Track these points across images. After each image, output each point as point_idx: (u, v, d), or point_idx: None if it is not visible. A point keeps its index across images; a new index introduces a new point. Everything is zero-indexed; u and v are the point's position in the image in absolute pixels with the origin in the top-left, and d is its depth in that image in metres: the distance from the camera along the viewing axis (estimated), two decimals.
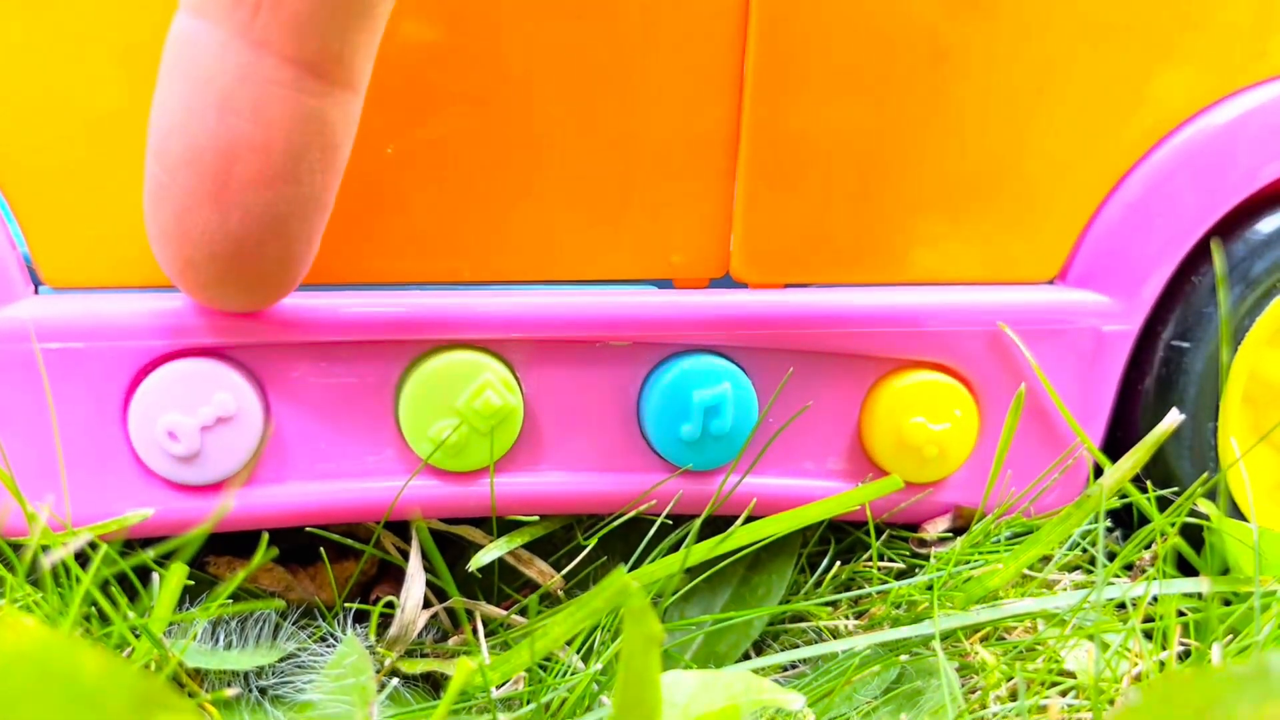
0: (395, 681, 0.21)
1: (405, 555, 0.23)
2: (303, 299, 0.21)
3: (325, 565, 0.23)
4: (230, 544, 0.24)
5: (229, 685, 0.20)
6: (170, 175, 0.17)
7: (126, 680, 0.11)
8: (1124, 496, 0.23)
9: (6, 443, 0.20)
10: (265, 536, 0.18)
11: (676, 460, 0.23)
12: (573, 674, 0.21)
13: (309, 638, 0.22)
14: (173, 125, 0.17)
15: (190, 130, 0.17)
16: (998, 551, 0.24)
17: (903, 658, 0.22)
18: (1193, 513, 0.24)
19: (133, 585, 0.21)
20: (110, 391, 0.20)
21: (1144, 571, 0.25)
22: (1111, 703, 0.20)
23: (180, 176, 0.17)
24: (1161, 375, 0.25)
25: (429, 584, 0.23)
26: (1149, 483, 0.25)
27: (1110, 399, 0.25)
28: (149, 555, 0.18)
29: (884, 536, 0.26)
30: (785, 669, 0.23)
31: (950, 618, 0.22)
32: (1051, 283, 0.24)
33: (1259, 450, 0.26)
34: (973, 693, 0.21)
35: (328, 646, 0.21)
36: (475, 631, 0.23)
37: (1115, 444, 0.25)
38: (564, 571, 0.23)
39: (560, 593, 0.24)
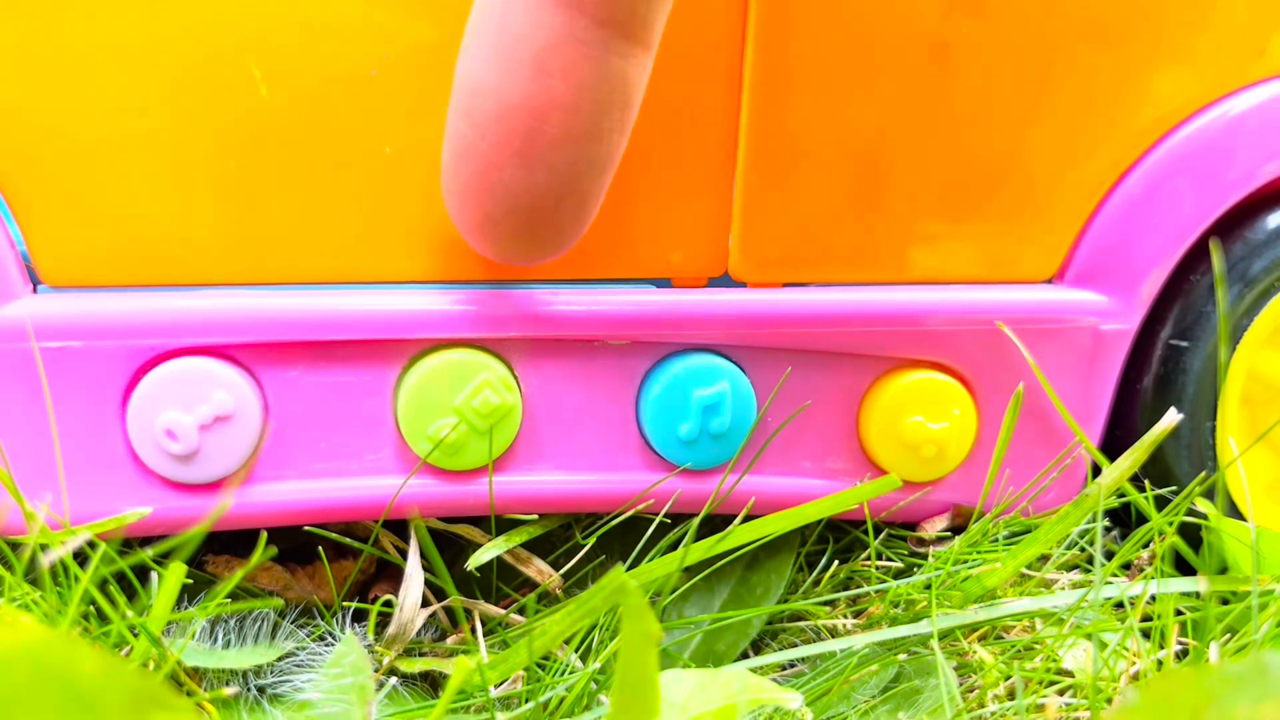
0: (393, 680, 0.21)
1: (404, 554, 0.23)
2: (301, 298, 0.21)
3: (324, 564, 0.23)
4: (229, 543, 0.24)
5: (227, 684, 0.20)
6: (479, 133, 0.18)
7: (124, 679, 0.11)
8: (1122, 496, 0.23)
9: (5, 441, 0.20)
10: (264, 535, 0.18)
11: (675, 459, 0.23)
12: (571, 673, 0.21)
13: (307, 637, 0.22)
14: (484, 85, 0.18)
15: (502, 90, 0.17)
16: (996, 551, 0.24)
17: (901, 657, 0.22)
18: (1191, 512, 0.24)
19: (131, 584, 0.21)
20: (109, 390, 0.20)
21: (1142, 571, 0.25)
22: (1109, 702, 0.20)
23: (490, 134, 0.18)
24: (1160, 374, 0.25)
25: (427, 583, 0.23)
26: (1147, 482, 0.25)
27: (1108, 398, 0.25)
28: (147, 554, 0.18)
29: (882, 535, 0.26)
30: (783, 668, 0.23)
31: (948, 617, 0.22)
32: (1050, 282, 0.24)
33: (1257, 449, 0.26)
34: (971, 691, 0.21)
35: (326, 645, 0.21)
36: (473, 630, 0.23)
37: (1113, 443, 0.25)
38: (562, 570, 0.24)
39: (558, 592, 0.24)
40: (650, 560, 0.22)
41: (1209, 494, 0.24)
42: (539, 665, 0.21)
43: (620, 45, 0.17)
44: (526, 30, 0.17)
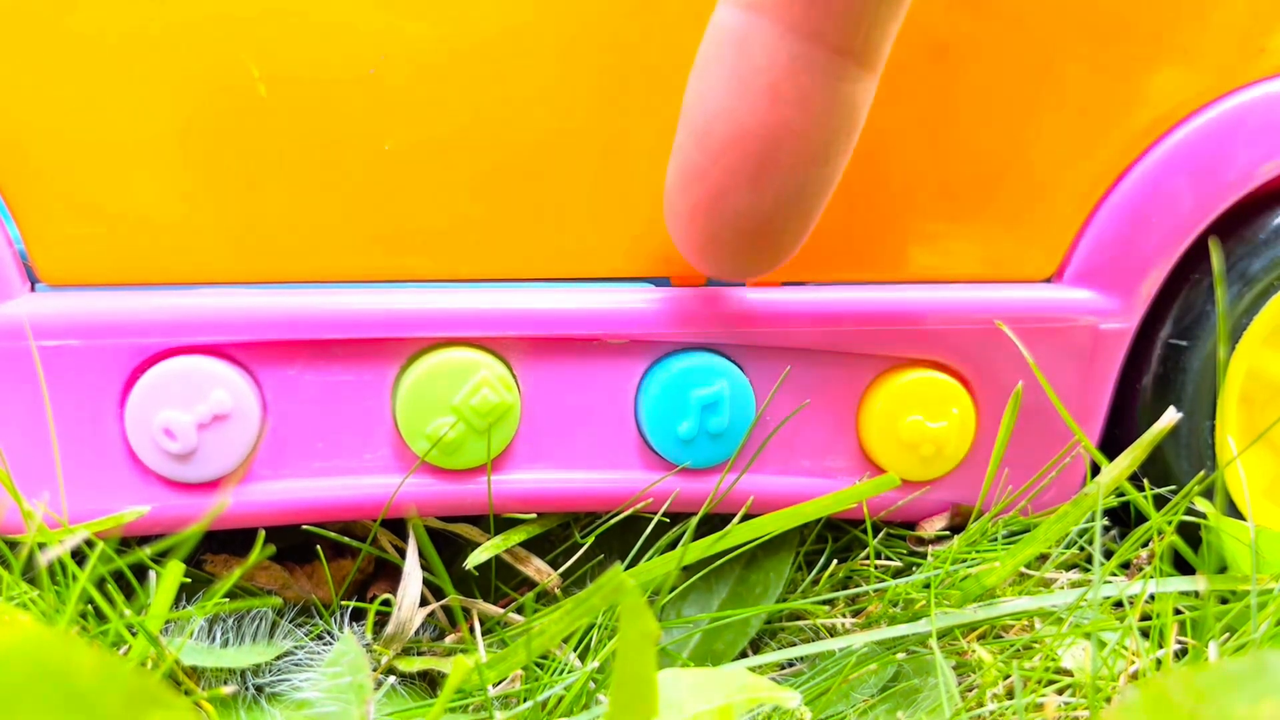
0: (392, 679, 0.21)
1: (402, 553, 0.23)
2: (300, 296, 0.21)
3: (322, 563, 0.23)
4: (227, 542, 0.24)
5: (226, 683, 0.20)
6: (711, 159, 0.18)
7: (122, 678, 0.11)
8: (1121, 495, 0.23)
9: (3, 440, 0.20)
10: (262, 534, 0.18)
11: (674, 458, 0.23)
12: (569, 672, 0.21)
13: (306, 636, 0.22)
14: (718, 111, 0.18)
15: (738, 117, 0.18)
16: (995, 550, 0.24)
17: (900, 656, 0.22)
18: (1190, 511, 0.24)
19: (129, 583, 0.21)
20: (107, 389, 0.20)
21: (1141, 570, 0.25)
22: (1108, 701, 0.20)
23: (722, 159, 0.18)
24: (1159, 373, 0.25)
25: (426, 582, 0.23)
26: (1146, 481, 0.25)
27: (1107, 397, 0.25)
28: (145, 553, 0.18)
29: (881, 535, 0.26)
30: (782, 667, 0.23)
31: (947, 616, 0.22)
32: (1049, 281, 0.24)
33: (1256, 449, 0.26)
34: (969, 691, 0.21)
35: (324, 644, 0.21)
36: (472, 629, 0.23)
37: (1113, 442, 0.25)
38: (561, 570, 0.23)
39: (557, 591, 0.24)
40: (649, 559, 0.22)
41: (1208, 493, 0.24)
42: (537, 664, 0.21)
43: (854, 71, 0.18)
44: (765, 60, 0.18)
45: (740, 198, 0.19)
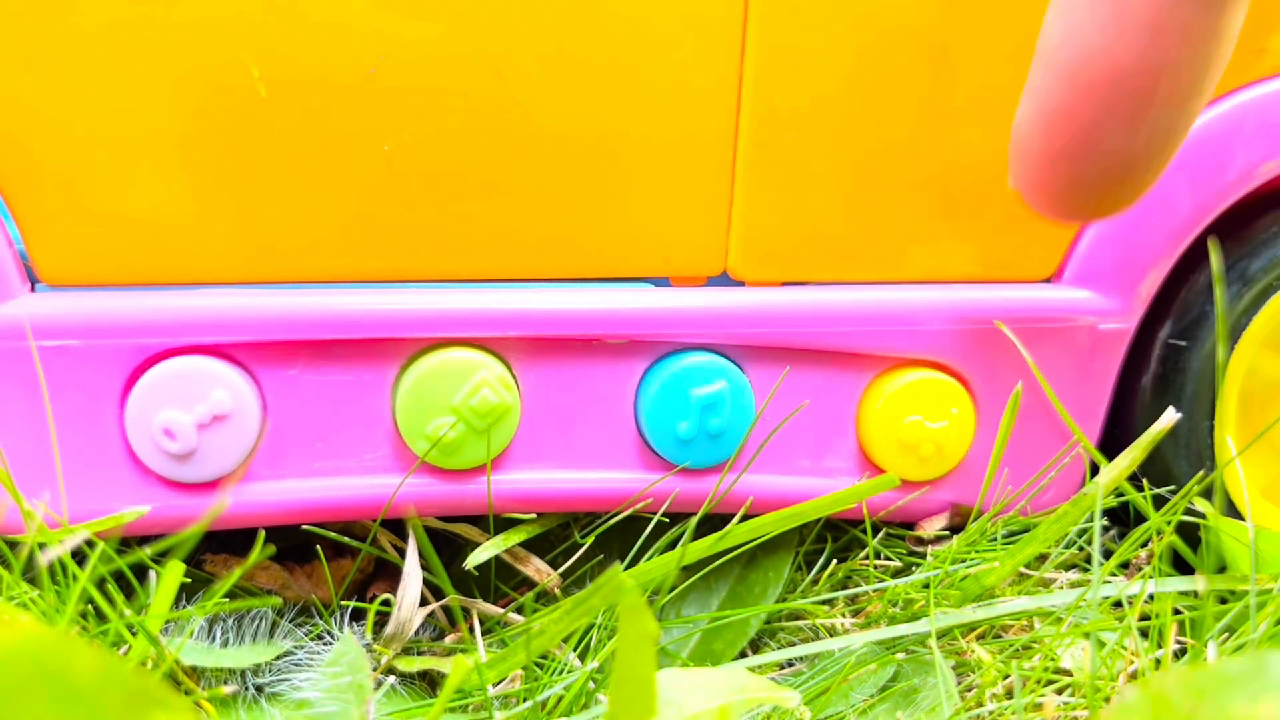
0: (392, 679, 0.21)
1: (402, 553, 0.23)
2: (300, 297, 0.21)
3: (322, 563, 0.23)
4: (227, 542, 0.24)
5: (225, 683, 0.20)
6: (1081, 97, 0.18)
7: (122, 678, 0.11)
8: (1120, 495, 0.23)
9: (3, 440, 0.20)
10: (261, 534, 0.18)
11: (673, 458, 0.23)
12: (569, 672, 0.21)
13: (306, 635, 0.22)
14: (1094, 48, 0.18)
15: (1114, 54, 0.18)
16: (994, 550, 0.24)
17: (899, 656, 0.22)
18: (1189, 511, 0.24)
19: (129, 583, 0.21)
20: (107, 389, 0.20)
21: (1140, 570, 0.25)
22: (1107, 700, 0.20)
23: (1097, 97, 0.18)
24: (1158, 373, 0.25)
25: (426, 582, 0.23)
26: (1145, 481, 0.25)
27: (1107, 397, 0.25)
28: (145, 553, 0.18)
29: (880, 535, 0.26)
30: (782, 667, 0.23)
31: (946, 616, 0.22)
32: (1048, 281, 0.24)
33: (1255, 449, 0.26)
34: (969, 690, 0.21)
35: (324, 644, 0.21)
36: (471, 629, 0.23)
37: (1112, 442, 0.25)
38: (560, 569, 0.23)
39: (557, 591, 0.24)
40: (648, 559, 0.22)
41: (1207, 493, 0.24)
42: (537, 664, 0.21)
43: (1226, 4, 0.18)
44: None
45: (1115, 137, 0.18)
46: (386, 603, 0.22)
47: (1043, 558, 0.25)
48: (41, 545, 0.19)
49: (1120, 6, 0.18)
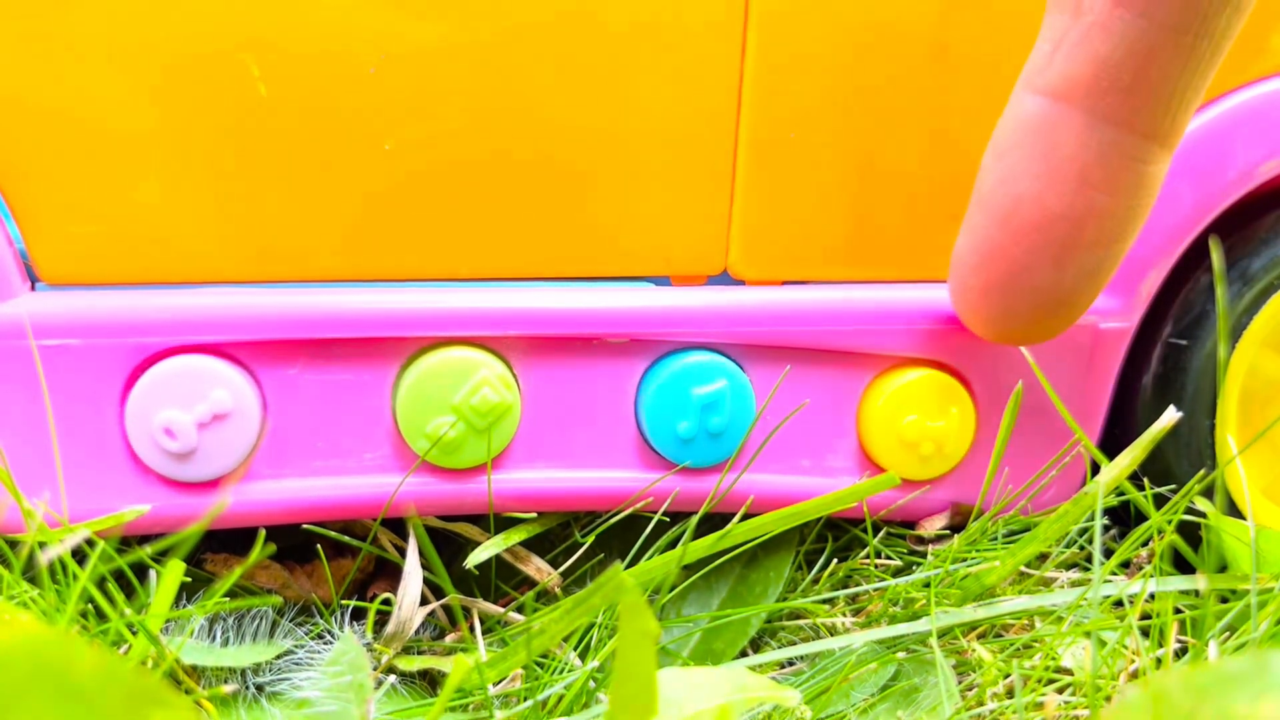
0: (392, 679, 0.21)
1: (402, 552, 0.23)
2: (300, 296, 0.21)
3: (322, 562, 0.23)
4: (227, 541, 0.24)
5: (226, 682, 0.20)
6: (1013, 238, 0.19)
7: (123, 677, 0.11)
8: (1121, 494, 0.23)
9: (3, 439, 0.20)
10: (262, 533, 0.18)
11: (674, 457, 0.23)
12: (569, 671, 0.21)
13: (306, 635, 0.22)
14: (1024, 195, 0.19)
15: (1045, 201, 0.19)
16: (995, 549, 0.24)
17: (900, 655, 0.22)
18: (1190, 510, 0.24)
19: (129, 582, 0.21)
20: (107, 388, 0.20)
21: (1141, 569, 0.25)
22: (1108, 700, 0.20)
23: (1026, 240, 0.19)
24: (1159, 372, 0.25)
25: (426, 581, 0.23)
26: (1146, 480, 0.25)
27: (1108, 396, 0.25)
28: (146, 552, 0.18)
29: (881, 534, 0.26)
30: (782, 666, 0.23)
31: (947, 615, 0.22)
32: None
33: (1256, 448, 0.26)
34: (970, 690, 0.21)
35: (325, 644, 0.21)
36: (472, 628, 0.23)
37: (1113, 441, 0.25)
38: (561, 569, 0.23)
39: (557, 590, 0.24)
40: (649, 558, 0.22)
41: (1208, 492, 0.24)
42: (537, 663, 0.21)
43: (1156, 153, 0.19)
44: (1074, 147, 0.18)
45: (1042, 275, 0.20)
46: (387, 602, 0.22)
47: (1043, 557, 0.25)
48: (42, 544, 0.19)
49: (1051, 156, 0.19)
